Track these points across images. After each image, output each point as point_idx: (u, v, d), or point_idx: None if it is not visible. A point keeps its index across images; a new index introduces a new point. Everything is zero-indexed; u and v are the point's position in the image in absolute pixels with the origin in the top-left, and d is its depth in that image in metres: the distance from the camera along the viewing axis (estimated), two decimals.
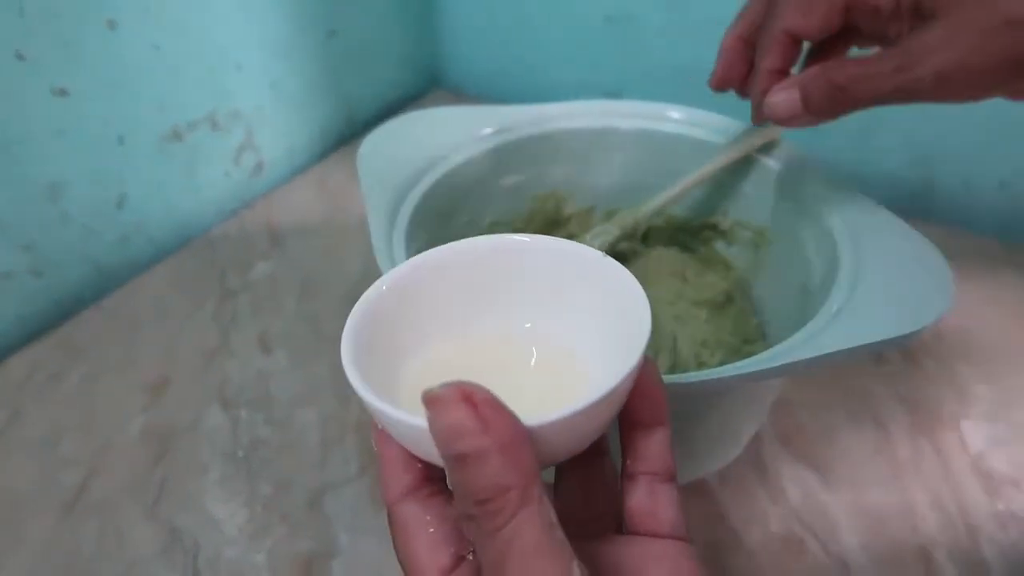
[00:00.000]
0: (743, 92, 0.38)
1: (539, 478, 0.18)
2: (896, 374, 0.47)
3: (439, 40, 0.80)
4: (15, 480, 0.42)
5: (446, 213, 0.42)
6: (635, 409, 0.22)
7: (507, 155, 0.44)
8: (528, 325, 0.26)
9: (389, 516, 0.22)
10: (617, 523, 0.23)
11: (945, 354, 0.48)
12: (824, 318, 0.31)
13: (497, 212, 0.46)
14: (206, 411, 0.45)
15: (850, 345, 0.29)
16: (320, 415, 0.45)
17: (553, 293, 0.25)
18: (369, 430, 0.44)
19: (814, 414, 0.44)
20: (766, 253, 0.43)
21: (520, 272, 0.25)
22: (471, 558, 0.21)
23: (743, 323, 0.43)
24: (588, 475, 0.23)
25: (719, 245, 0.46)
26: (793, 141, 0.42)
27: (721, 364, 0.36)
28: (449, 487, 0.22)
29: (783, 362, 0.28)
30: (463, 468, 0.18)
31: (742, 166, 0.43)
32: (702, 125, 0.44)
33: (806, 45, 0.34)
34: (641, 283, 0.23)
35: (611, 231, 0.44)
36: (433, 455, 0.19)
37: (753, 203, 0.43)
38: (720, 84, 0.38)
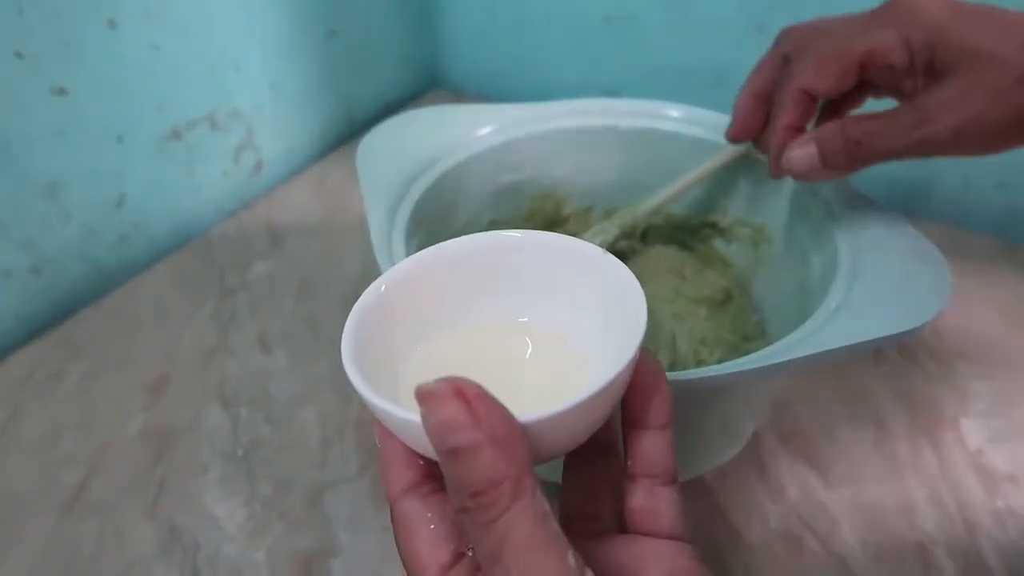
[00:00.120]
0: (760, 145, 0.39)
1: (532, 471, 0.18)
2: (895, 372, 0.47)
3: (439, 40, 0.81)
4: (15, 479, 0.42)
5: (445, 212, 0.42)
6: (639, 411, 0.22)
7: (506, 154, 0.44)
8: (525, 320, 0.26)
9: (391, 511, 0.22)
10: (619, 523, 0.23)
11: (944, 352, 0.48)
12: (823, 315, 0.31)
13: (496, 211, 0.46)
14: (206, 410, 0.45)
15: (849, 342, 0.29)
16: (319, 414, 0.45)
17: (550, 288, 0.25)
18: (369, 428, 0.44)
19: (813, 412, 0.44)
20: (765, 251, 0.43)
21: (518, 267, 0.26)
22: (471, 554, 0.21)
23: (742, 321, 0.43)
24: (592, 474, 0.23)
25: (718, 243, 0.47)
26: None
27: (720, 362, 0.36)
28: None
29: (782, 359, 0.28)
30: (456, 462, 0.18)
31: (741, 164, 0.43)
32: (701, 123, 0.44)
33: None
34: (640, 281, 0.23)
35: (610, 230, 0.44)
36: (430, 450, 0.19)
37: (752, 201, 0.43)
38: (736, 138, 0.39)
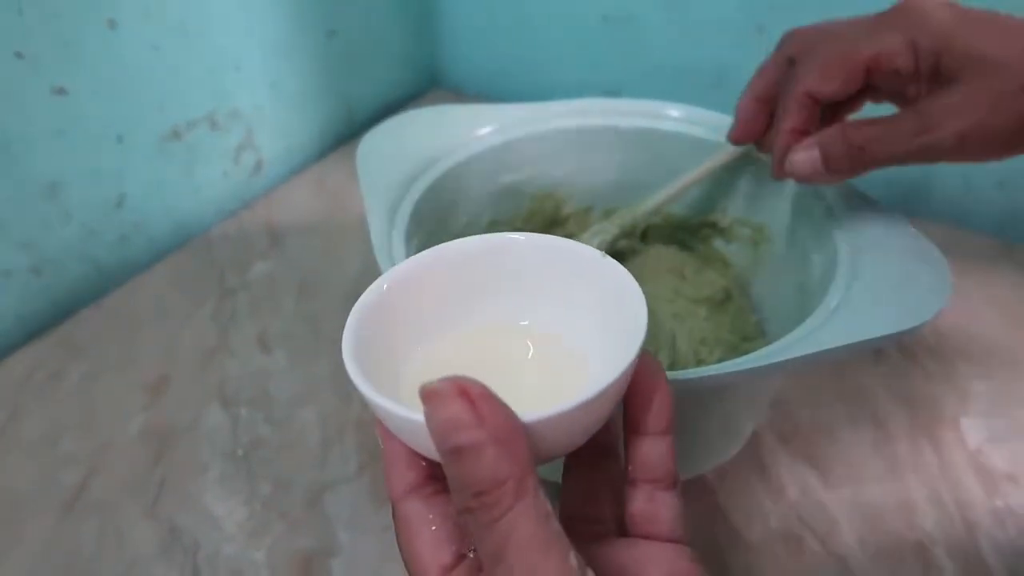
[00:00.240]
0: (763, 147, 0.39)
1: (534, 471, 0.18)
2: (895, 372, 0.47)
3: (438, 40, 0.81)
4: (15, 479, 0.42)
5: (445, 212, 0.42)
6: (640, 415, 0.22)
7: (506, 154, 0.44)
8: (526, 322, 0.26)
9: (393, 512, 0.22)
10: (619, 526, 0.23)
11: (944, 352, 0.48)
12: (822, 314, 0.31)
13: (496, 211, 0.46)
14: (206, 410, 0.45)
15: (848, 341, 0.29)
16: (319, 414, 0.45)
17: (551, 290, 0.25)
18: (369, 428, 0.44)
19: (813, 411, 0.44)
20: (765, 251, 0.43)
21: (519, 269, 0.26)
22: (472, 556, 0.21)
23: (742, 321, 0.43)
24: (592, 477, 0.24)
25: (718, 243, 0.47)
26: None
27: (720, 361, 0.36)
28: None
29: (781, 359, 0.28)
30: (459, 461, 0.18)
31: (741, 164, 0.43)
32: (701, 123, 0.44)
33: None
34: (640, 281, 0.23)
35: (610, 229, 0.44)
36: (431, 450, 0.19)
37: (751, 201, 0.43)
38: (739, 141, 0.39)
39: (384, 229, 0.36)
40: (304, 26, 0.64)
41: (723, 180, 0.44)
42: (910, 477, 0.41)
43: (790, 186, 0.40)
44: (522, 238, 0.25)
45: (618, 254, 0.48)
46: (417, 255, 0.25)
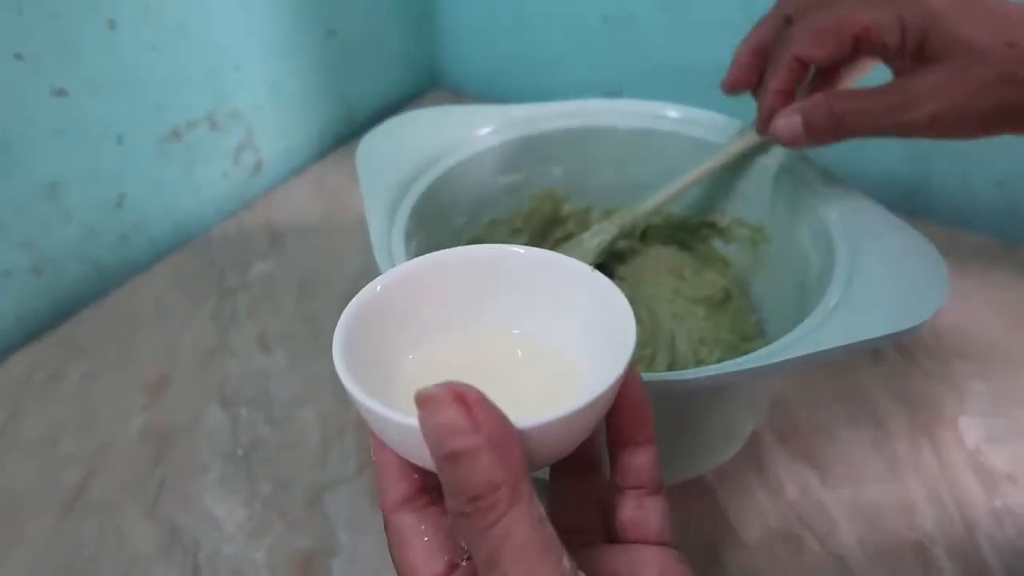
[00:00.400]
0: (755, 97, 0.39)
1: (528, 476, 0.18)
2: (893, 371, 0.47)
3: (438, 40, 0.81)
4: (15, 479, 0.42)
5: (445, 212, 0.42)
6: (624, 428, 0.23)
7: (505, 154, 0.44)
8: (517, 331, 0.26)
9: (385, 524, 0.22)
10: (608, 535, 0.24)
11: (942, 351, 0.48)
12: (820, 315, 0.31)
13: (495, 211, 0.46)
14: (205, 410, 0.45)
15: (846, 342, 0.29)
16: (319, 414, 0.45)
17: (543, 302, 0.26)
18: (368, 429, 0.44)
19: (812, 411, 0.44)
20: (764, 251, 0.44)
21: (512, 280, 0.26)
22: (465, 565, 0.21)
23: (741, 321, 0.43)
24: (580, 490, 0.24)
25: (717, 243, 0.47)
26: None
27: (719, 362, 0.36)
28: (442, 489, 0.22)
29: (779, 359, 0.28)
30: (455, 466, 0.18)
31: (740, 164, 0.43)
32: (700, 124, 0.44)
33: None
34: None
35: (609, 230, 0.44)
36: (424, 456, 0.19)
37: (751, 201, 0.44)
38: (731, 90, 0.39)
39: (384, 229, 0.36)
40: (304, 26, 0.64)
41: (722, 180, 0.44)
42: (909, 477, 0.41)
43: (789, 186, 0.40)
44: (518, 250, 0.26)
45: (618, 254, 0.48)
46: (411, 261, 0.26)
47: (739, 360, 0.29)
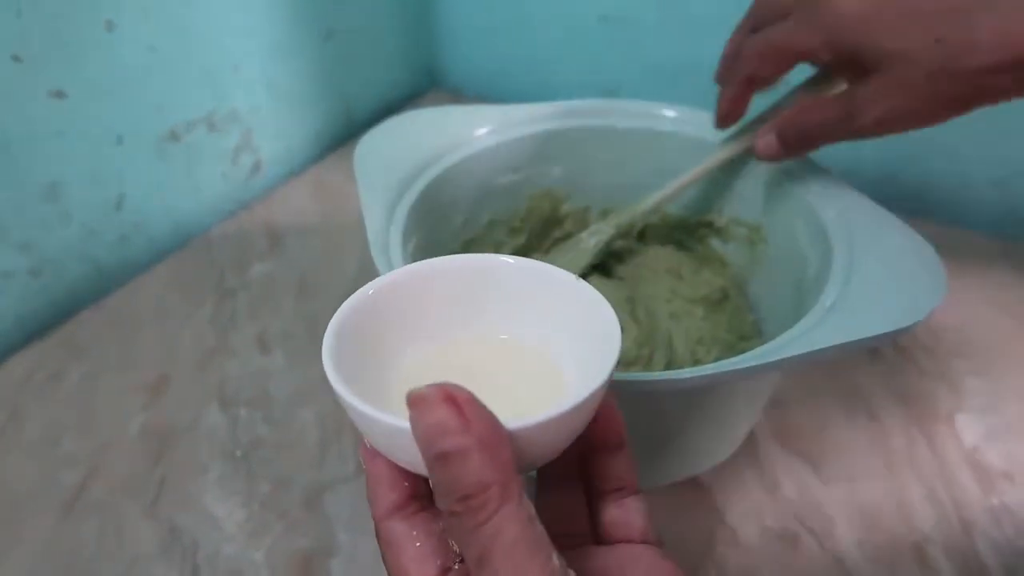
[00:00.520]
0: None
1: (518, 476, 0.19)
2: (890, 369, 0.47)
3: (437, 40, 0.81)
4: (15, 479, 0.42)
5: (443, 212, 0.43)
6: (600, 434, 0.24)
7: (503, 154, 0.44)
8: (505, 337, 0.27)
9: (377, 532, 0.23)
10: (593, 538, 0.24)
11: (939, 349, 0.48)
12: (817, 314, 0.31)
13: (494, 211, 0.46)
14: (205, 410, 0.46)
15: (843, 341, 0.29)
16: (318, 414, 0.45)
17: (531, 310, 0.26)
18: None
19: (809, 410, 0.44)
20: (761, 250, 0.44)
21: (501, 289, 0.27)
22: (457, 568, 0.21)
23: (739, 320, 0.44)
24: (567, 496, 0.25)
25: (715, 242, 0.47)
26: None
27: (717, 361, 0.36)
28: (432, 496, 0.23)
29: (776, 358, 0.29)
30: (445, 466, 0.18)
31: (737, 164, 0.43)
32: (698, 123, 0.44)
33: None
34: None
35: (606, 230, 0.44)
36: (413, 459, 0.19)
37: (748, 200, 0.44)
38: (718, 81, 0.41)
39: (381, 228, 0.36)
40: (302, 27, 0.64)
41: (720, 180, 0.44)
42: (906, 475, 0.41)
43: (786, 186, 0.40)
44: (509, 260, 0.27)
45: (616, 254, 0.48)
46: (402, 267, 0.26)
47: (736, 359, 0.29)
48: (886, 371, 0.47)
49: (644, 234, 0.49)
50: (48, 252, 0.52)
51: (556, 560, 0.18)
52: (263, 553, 0.38)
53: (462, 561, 0.21)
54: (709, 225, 0.47)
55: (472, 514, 0.18)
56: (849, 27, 0.32)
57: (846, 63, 0.34)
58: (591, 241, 0.45)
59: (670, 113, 0.45)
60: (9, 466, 0.43)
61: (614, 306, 0.24)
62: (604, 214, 0.48)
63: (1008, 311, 0.51)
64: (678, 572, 0.22)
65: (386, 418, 0.20)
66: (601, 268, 0.47)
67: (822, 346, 0.29)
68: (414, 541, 0.22)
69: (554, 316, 0.26)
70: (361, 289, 0.25)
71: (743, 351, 0.30)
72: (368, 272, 0.28)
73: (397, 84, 0.79)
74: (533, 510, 0.19)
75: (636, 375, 0.29)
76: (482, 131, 0.44)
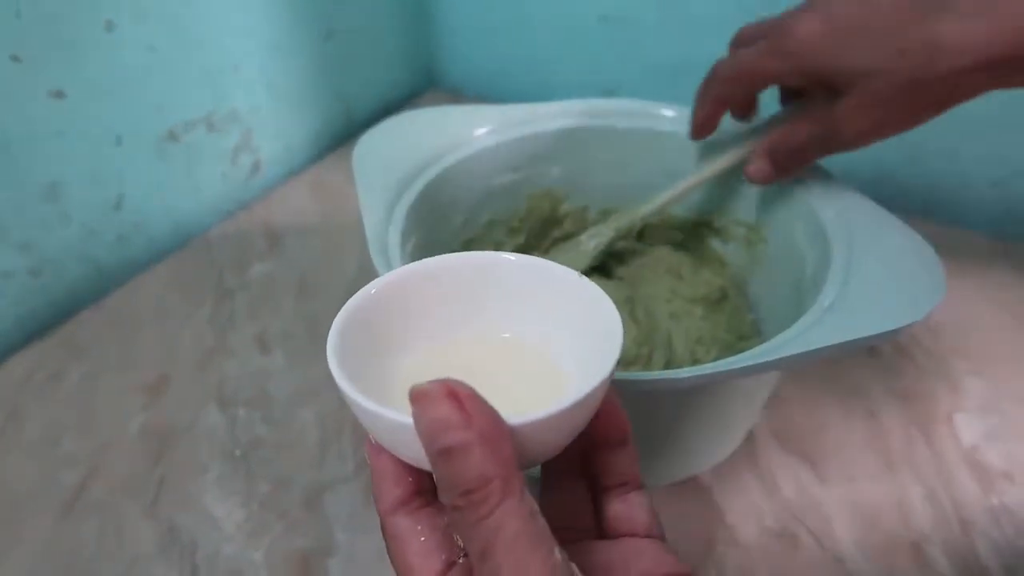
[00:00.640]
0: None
1: (519, 471, 0.19)
2: (890, 368, 0.47)
3: (436, 40, 0.81)
4: (15, 480, 0.42)
5: (442, 212, 0.43)
6: (603, 429, 0.24)
7: (502, 154, 0.44)
8: (508, 335, 0.27)
9: (382, 527, 0.23)
10: (599, 534, 0.25)
11: (938, 348, 0.48)
12: (816, 313, 0.31)
13: (493, 211, 0.46)
14: (204, 410, 0.46)
15: (841, 340, 0.29)
16: (318, 414, 0.45)
17: (533, 307, 0.27)
18: (363, 434, 0.44)
19: (808, 409, 0.44)
20: (761, 250, 0.44)
21: (503, 287, 0.27)
22: (462, 561, 0.22)
23: (738, 320, 0.44)
24: (571, 492, 0.25)
25: (714, 242, 0.47)
26: None
27: (716, 361, 0.36)
28: (436, 491, 0.23)
29: (774, 357, 0.29)
30: (448, 461, 0.18)
31: (735, 164, 0.43)
32: None
33: None
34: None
35: (606, 233, 0.44)
36: (417, 454, 0.20)
37: (748, 200, 0.44)
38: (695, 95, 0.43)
39: (380, 228, 0.36)
40: (302, 27, 0.64)
41: (719, 181, 0.44)
42: (905, 475, 0.41)
43: (785, 186, 0.40)
44: (511, 258, 0.27)
45: (616, 254, 0.48)
46: (405, 266, 0.26)
47: (734, 359, 0.29)
48: (885, 370, 0.47)
49: (644, 234, 0.49)
50: (48, 252, 0.52)
51: (558, 554, 0.18)
52: (262, 553, 0.38)
53: (466, 555, 0.21)
54: (708, 225, 0.47)
55: (474, 508, 0.18)
56: (810, 52, 0.33)
57: (818, 84, 0.34)
58: (591, 244, 0.45)
59: (670, 113, 0.45)
60: (9, 466, 0.43)
61: None
62: (603, 214, 0.48)
63: (1007, 310, 0.51)
64: (682, 566, 0.22)
65: (390, 414, 0.20)
66: (601, 268, 0.47)
67: (821, 345, 0.29)
68: (419, 536, 0.22)
69: (556, 313, 0.26)
70: (364, 288, 0.25)
71: (742, 351, 0.30)
72: (367, 272, 0.29)
73: (397, 84, 0.79)
74: (535, 505, 0.19)
75: (635, 374, 0.29)
76: (481, 131, 0.44)
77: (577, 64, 0.73)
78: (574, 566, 0.19)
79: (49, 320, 0.53)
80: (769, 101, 0.40)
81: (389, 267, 0.33)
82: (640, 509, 0.24)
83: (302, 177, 0.68)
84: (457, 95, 0.81)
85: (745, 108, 0.40)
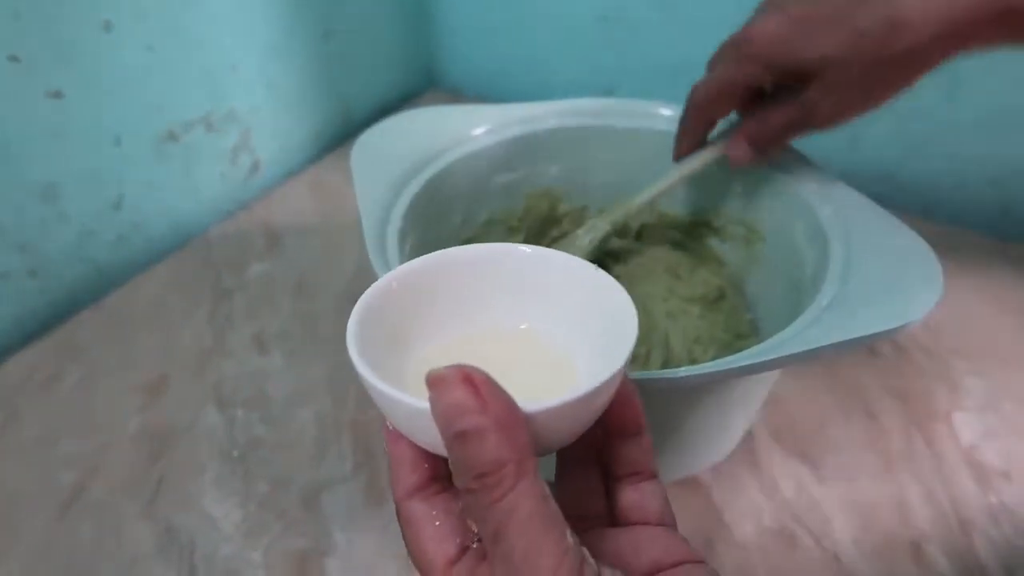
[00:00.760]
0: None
1: (533, 456, 0.19)
2: (888, 367, 0.47)
3: (435, 40, 0.81)
4: (14, 480, 0.42)
5: (440, 211, 0.43)
6: (618, 419, 0.24)
7: (501, 153, 0.44)
8: (524, 326, 0.27)
9: (397, 512, 0.23)
10: (612, 522, 0.25)
11: (937, 347, 0.48)
12: (814, 313, 0.31)
13: (491, 210, 0.46)
14: (202, 411, 0.46)
15: (839, 339, 0.29)
16: (316, 414, 0.45)
17: (548, 299, 0.27)
18: (365, 428, 0.44)
19: (806, 408, 0.44)
20: (758, 249, 0.44)
21: (518, 277, 0.27)
22: (476, 546, 0.22)
23: (736, 319, 0.44)
24: (584, 481, 0.25)
25: (712, 242, 0.47)
26: None
27: (714, 360, 0.36)
28: (451, 478, 0.23)
29: (772, 357, 0.29)
30: (463, 445, 0.19)
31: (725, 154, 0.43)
32: None
33: None
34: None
35: (601, 227, 0.44)
36: (433, 439, 0.20)
37: (745, 200, 0.44)
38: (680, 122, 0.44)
39: (378, 228, 0.36)
40: (300, 27, 0.64)
41: (717, 180, 0.44)
42: (904, 474, 0.41)
43: (782, 185, 0.40)
44: (526, 249, 0.27)
45: (614, 254, 0.48)
46: (422, 257, 0.26)
47: (732, 358, 0.29)
48: (884, 370, 0.47)
49: (641, 234, 0.49)
50: (46, 253, 0.52)
51: (570, 537, 0.19)
52: (260, 553, 0.38)
53: (480, 540, 0.22)
54: (706, 224, 0.46)
55: (488, 491, 0.19)
56: (774, 51, 0.35)
57: (790, 77, 0.36)
58: (586, 238, 0.45)
59: (668, 113, 0.45)
60: (7, 466, 0.43)
61: None
62: (602, 213, 0.48)
63: (1006, 310, 0.51)
64: (694, 553, 0.22)
65: (408, 399, 0.20)
66: (598, 267, 0.47)
67: (819, 345, 0.29)
68: (433, 520, 0.22)
69: (570, 303, 0.26)
70: (382, 279, 0.25)
71: (740, 350, 0.30)
72: (366, 272, 0.29)
73: (396, 84, 0.79)
74: (548, 489, 0.19)
75: (633, 374, 0.29)
76: (480, 130, 0.44)
77: (576, 64, 0.73)
78: (586, 550, 0.19)
79: (48, 321, 0.53)
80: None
81: (387, 267, 0.33)
82: (653, 498, 0.24)
83: (301, 177, 0.68)
84: (457, 95, 0.81)
85: (707, 123, 0.42)
